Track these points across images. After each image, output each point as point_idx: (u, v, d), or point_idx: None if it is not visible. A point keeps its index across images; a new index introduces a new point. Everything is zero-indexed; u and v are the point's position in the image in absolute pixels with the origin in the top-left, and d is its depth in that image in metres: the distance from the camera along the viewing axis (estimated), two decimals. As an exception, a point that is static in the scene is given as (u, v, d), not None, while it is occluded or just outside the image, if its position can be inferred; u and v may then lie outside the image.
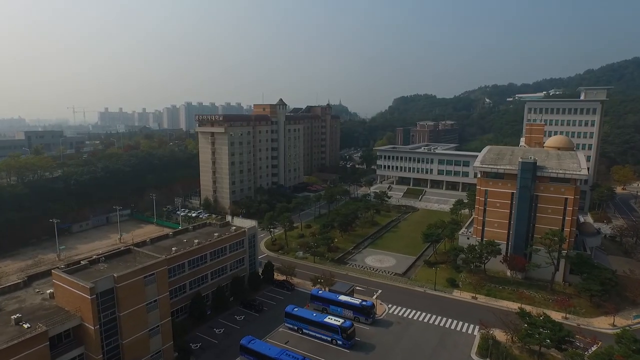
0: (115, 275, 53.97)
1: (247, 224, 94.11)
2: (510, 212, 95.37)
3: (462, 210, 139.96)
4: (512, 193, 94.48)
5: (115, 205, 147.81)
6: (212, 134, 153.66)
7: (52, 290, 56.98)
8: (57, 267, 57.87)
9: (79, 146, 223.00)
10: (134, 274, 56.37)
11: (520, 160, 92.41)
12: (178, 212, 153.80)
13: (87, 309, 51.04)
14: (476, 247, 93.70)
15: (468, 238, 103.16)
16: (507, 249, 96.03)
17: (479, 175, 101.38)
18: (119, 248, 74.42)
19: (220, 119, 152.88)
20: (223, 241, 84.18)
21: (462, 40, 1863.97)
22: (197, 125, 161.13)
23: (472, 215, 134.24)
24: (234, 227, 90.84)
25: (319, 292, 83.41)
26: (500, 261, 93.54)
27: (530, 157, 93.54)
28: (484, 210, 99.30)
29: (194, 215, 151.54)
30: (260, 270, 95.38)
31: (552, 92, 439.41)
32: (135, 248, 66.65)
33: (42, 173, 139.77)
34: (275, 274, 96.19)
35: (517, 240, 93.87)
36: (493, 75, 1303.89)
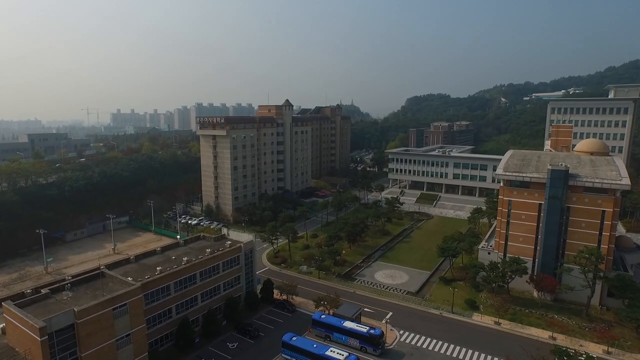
0: (75, 309, 45.82)
1: (244, 237, 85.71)
2: (538, 225, 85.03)
3: (481, 219, 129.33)
4: (540, 204, 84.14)
5: (113, 212, 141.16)
6: (214, 137, 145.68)
7: (4, 325, 49.08)
8: (10, 298, 49.85)
9: (81, 149, 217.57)
10: (100, 306, 48.19)
11: (549, 167, 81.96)
12: (179, 219, 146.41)
13: (37, 352, 42.90)
14: (499, 265, 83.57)
15: (489, 253, 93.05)
16: (533, 266, 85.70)
17: (501, 184, 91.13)
18: (100, 267, 66.68)
19: (222, 121, 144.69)
20: (215, 258, 75.74)
21: (476, 38, 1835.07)
22: (199, 127, 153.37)
23: (491, 225, 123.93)
24: (229, 242, 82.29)
25: (322, 316, 74.35)
26: (527, 281, 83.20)
27: (561, 164, 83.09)
28: (507, 222, 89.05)
29: (194, 222, 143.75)
30: (258, 289, 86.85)
31: (571, 90, 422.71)
32: (107, 271, 58.43)
33: (35, 179, 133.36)
34: (275, 292, 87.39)
35: (546, 257, 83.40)
36: (508, 74, 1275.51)
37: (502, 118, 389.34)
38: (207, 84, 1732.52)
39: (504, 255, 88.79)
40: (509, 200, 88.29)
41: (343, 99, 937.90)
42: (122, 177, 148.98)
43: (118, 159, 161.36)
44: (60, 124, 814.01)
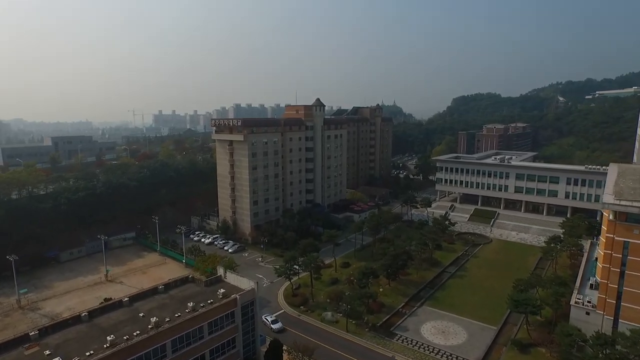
0: None
1: (244, 284, 63.59)
2: (673, 282, 57.24)
3: (559, 251, 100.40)
4: (678, 251, 56.32)
5: (118, 227, 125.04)
6: (231, 142, 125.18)
7: None
8: None
9: (103, 152, 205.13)
10: None
11: (697, 197, 54.05)
12: (191, 236, 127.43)
13: None
14: (612, 340, 56.38)
15: (588, 313, 65.77)
16: (663, 342, 57.76)
17: (609, 217, 63.63)
18: (31, 332, 46.69)
19: (239, 124, 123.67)
20: (197, 319, 53.97)
21: (528, 35, 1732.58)
22: (214, 131, 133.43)
23: (572, 256, 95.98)
24: (223, 291, 60.33)
25: (345, 413, 50.83)
26: (661, 371, 55.57)
27: None
28: (621, 273, 61.53)
29: (208, 241, 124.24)
30: (263, 351, 64.56)
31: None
32: (26, 350, 37.72)
33: (32, 189, 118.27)
34: (286, 356, 64.72)
35: (689, 332, 55.40)
36: (565, 71, 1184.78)
37: (563, 119, 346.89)
38: (247, 86, 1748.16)
39: (615, 321, 61.47)
40: (623, 241, 60.74)
41: (385, 99, 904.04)
42: (129, 186, 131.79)
43: (127, 166, 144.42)
44: (109, 125, 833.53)
